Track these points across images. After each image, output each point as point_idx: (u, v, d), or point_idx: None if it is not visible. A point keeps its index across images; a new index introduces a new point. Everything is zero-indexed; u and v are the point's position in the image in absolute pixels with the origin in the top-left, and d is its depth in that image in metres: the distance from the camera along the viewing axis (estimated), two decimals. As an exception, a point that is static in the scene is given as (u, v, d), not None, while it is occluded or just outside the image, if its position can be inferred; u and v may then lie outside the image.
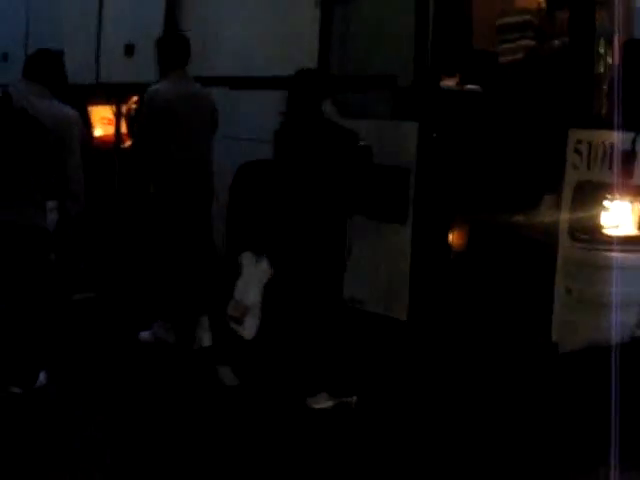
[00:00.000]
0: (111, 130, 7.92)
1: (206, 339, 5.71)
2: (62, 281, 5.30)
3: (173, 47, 5.69)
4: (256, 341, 4.93)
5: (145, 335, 5.84)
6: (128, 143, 7.08)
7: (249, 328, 4.87)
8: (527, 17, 5.61)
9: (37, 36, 8.35)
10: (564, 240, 4.74)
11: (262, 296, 4.86)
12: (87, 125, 6.69)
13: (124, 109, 7.83)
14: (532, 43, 5.53)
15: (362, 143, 4.79)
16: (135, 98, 7.71)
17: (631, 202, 4.67)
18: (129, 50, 7.42)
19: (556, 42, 5.32)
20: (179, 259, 5.64)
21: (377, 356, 5.47)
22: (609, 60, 4.83)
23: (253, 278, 4.89)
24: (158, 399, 4.92)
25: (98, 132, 8.07)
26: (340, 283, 4.86)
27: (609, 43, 4.79)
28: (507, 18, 5.67)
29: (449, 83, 5.46)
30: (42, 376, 4.87)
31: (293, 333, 4.75)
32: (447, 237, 5.44)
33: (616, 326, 4.56)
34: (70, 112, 4.77)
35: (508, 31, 5.61)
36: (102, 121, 8.06)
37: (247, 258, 4.93)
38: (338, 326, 4.81)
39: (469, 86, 5.69)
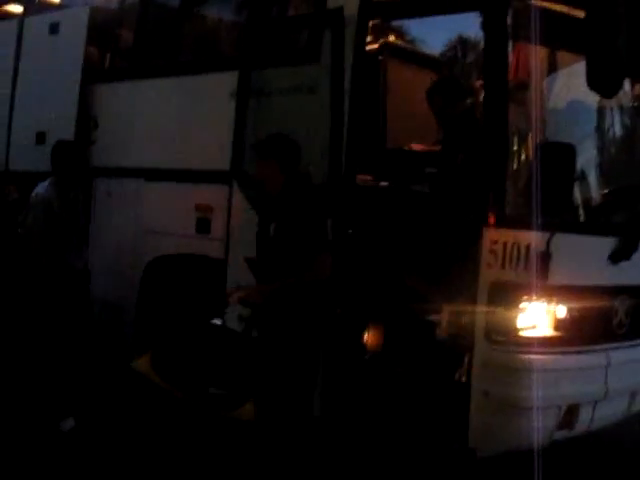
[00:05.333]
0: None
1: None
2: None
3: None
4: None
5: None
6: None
7: None
8: None
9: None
10: (480, 342, 4.62)
11: None
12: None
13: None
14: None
15: None
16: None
17: (547, 303, 4.60)
18: (40, 138, 7.26)
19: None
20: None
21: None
22: (524, 159, 4.82)
23: None
24: None
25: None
26: None
27: (524, 142, 4.79)
28: None
29: (364, 179, 5.38)
30: None
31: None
32: (362, 337, 5.31)
33: (534, 429, 4.45)
34: None
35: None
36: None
37: None
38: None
39: (383, 183, 5.65)
